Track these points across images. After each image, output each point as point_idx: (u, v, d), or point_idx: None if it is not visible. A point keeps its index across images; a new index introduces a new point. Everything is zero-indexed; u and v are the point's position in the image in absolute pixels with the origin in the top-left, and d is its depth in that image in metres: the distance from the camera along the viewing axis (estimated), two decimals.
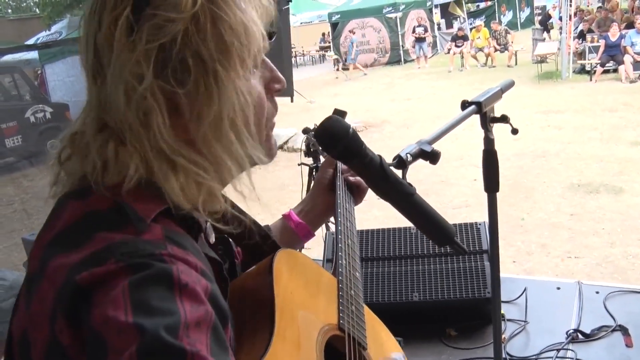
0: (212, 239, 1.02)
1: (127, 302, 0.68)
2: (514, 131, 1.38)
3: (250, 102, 0.86)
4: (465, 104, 1.31)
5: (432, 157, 1.06)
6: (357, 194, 1.42)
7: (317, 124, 1.01)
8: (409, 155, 1.04)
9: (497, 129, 1.43)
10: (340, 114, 1.25)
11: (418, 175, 6.79)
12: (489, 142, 1.38)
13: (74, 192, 0.84)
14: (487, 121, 1.35)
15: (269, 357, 0.87)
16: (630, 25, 14.53)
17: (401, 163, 1.03)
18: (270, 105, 0.95)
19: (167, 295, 0.70)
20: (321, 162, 4.78)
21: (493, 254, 1.46)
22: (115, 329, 0.66)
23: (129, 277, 0.70)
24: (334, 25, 24.06)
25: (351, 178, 1.41)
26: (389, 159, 1.05)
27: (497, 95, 1.39)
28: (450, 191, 7.13)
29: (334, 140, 0.98)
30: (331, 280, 1.17)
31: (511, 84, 1.48)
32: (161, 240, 0.76)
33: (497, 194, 1.41)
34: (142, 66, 0.77)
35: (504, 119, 1.36)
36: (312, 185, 1.34)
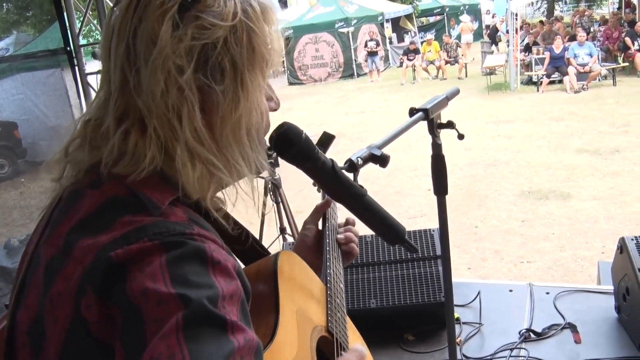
0: None
1: (165, 276, 0.72)
2: (460, 137, 1.43)
3: (263, 113, 0.95)
4: (412, 111, 1.35)
5: (382, 160, 1.10)
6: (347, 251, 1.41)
7: (272, 130, 1.04)
8: (359, 159, 1.08)
9: (449, 140, 1.47)
10: (328, 137, 1.28)
11: (373, 187, 6.86)
12: (436, 147, 1.43)
13: (87, 183, 0.88)
14: (435, 127, 1.39)
15: (275, 344, 0.93)
16: (573, 37, 15.08)
17: (352, 166, 1.07)
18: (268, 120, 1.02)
19: (203, 271, 0.75)
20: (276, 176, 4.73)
21: (444, 255, 1.50)
22: (155, 300, 0.70)
23: (165, 254, 0.74)
24: (287, 40, 24.01)
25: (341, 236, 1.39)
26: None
27: (443, 102, 1.43)
28: (406, 201, 7.22)
29: (288, 144, 1.01)
30: (319, 285, 1.23)
31: (456, 92, 1.53)
32: (187, 222, 0.82)
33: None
34: (185, 59, 0.83)
35: (450, 124, 1.41)
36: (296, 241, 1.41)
